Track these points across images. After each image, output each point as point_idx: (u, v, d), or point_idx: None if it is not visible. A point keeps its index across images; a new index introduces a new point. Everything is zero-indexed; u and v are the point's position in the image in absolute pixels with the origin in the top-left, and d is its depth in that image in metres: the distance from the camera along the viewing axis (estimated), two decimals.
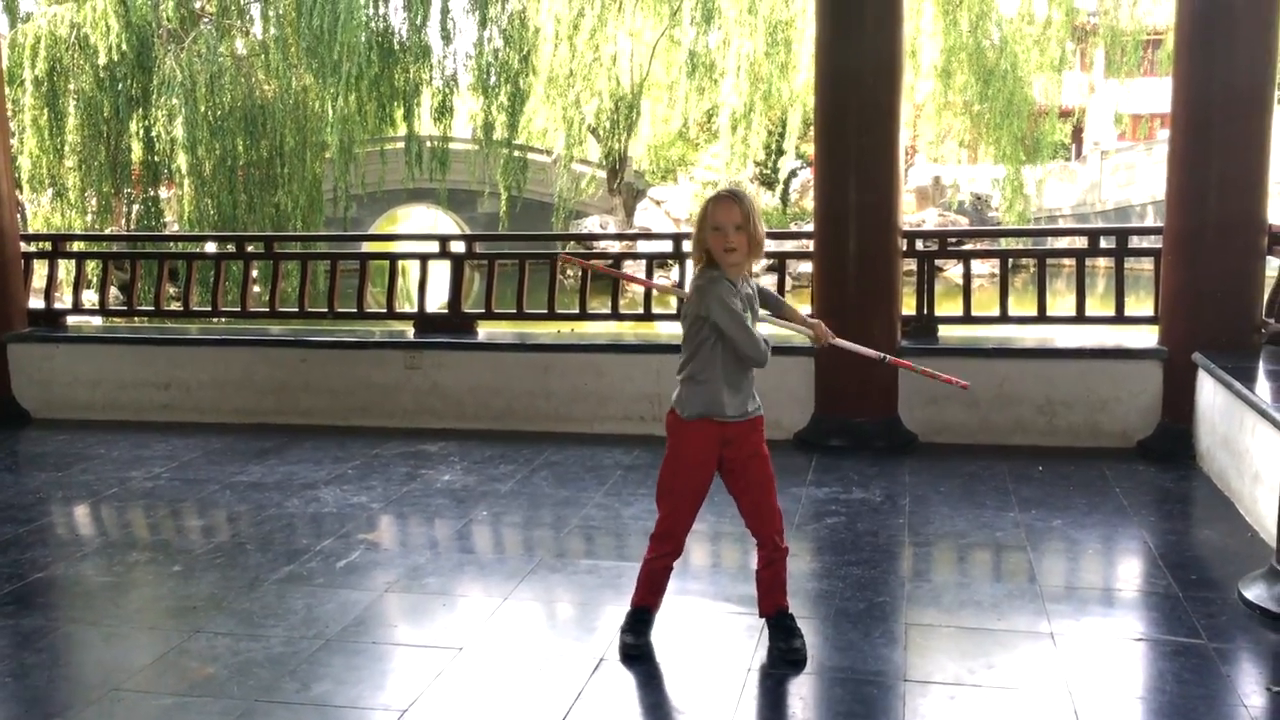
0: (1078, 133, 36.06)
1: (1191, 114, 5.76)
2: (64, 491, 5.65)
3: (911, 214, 29.99)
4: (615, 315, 7.27)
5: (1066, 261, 6.89)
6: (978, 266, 13.99)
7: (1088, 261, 6.70)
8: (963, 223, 28.49)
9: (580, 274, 7.24)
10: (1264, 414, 4.56)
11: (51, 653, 3.70)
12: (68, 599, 4.27)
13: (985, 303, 7.17)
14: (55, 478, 5.90)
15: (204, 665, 3.56)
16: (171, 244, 12.52)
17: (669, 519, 3.56)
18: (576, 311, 7.17)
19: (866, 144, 6.12)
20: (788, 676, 3.45)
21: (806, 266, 6.83)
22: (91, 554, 4.72)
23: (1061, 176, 32.54)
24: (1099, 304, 7.14)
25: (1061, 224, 29.21)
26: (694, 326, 3.43)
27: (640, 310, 7.29)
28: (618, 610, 3.75)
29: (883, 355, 3.89)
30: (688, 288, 3.51)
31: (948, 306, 6.98)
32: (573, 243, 17.78)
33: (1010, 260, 6.83)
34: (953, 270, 19.08)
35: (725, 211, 3.36)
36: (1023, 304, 7.06)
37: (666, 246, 7.84)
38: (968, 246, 10.81)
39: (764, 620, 3.64)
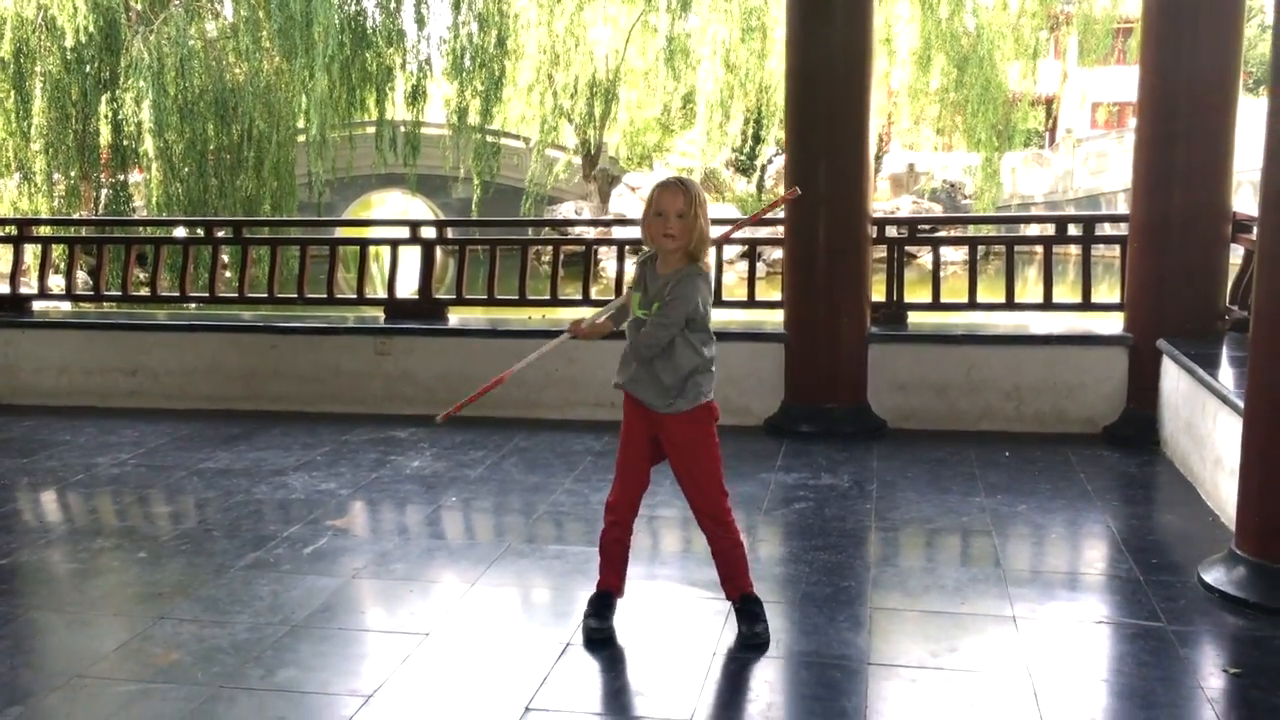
0: (1052, 120, 36.27)
1: (1157, 103, 5.81)
2: (29, 478, 5.61)
3: (885, 201, 30.08)
4: (587, 301, 7.25)
5: (1038, 248, 6.94)
6: (951, 253, 14.10)
7: (1058, 249, 6.76)
8: (936, 210, 28.59)
9: (553, 259, 7.24)
10: (1224, 399, 4.61)
11: (14, 639, 3.67)
12: (32, 586, 4.25)
13: (958, 289, 7.20)
14: (20, 464, 5.86)
15: (168, 652, 3.55)
16: (140, 229, 12.38)
17: (614, 486, 3.67)
18: (548, 297, 7.15)
19: (836, 132, 6.14)
20: (752, 660, 3.48)
21: (780, 253, 6.84)
22: (57, 540, 4.69)
23: (1034, 164, 32.72)
24: (1070, 291, 7.19)
25: (1034, 211, 29.35)
26: None
27: (613, 296, 7.27)
28: (585, 595, 3.76)
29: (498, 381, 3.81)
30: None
31: (920, 293, 7.02)
32: (547, 229, 17.76)
33: (984, 247, 6.88)
34: (926, 257, 19.15)
35: (670, 199, 3.37)
36: (994, 291, 7.10)
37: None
38: (941, 234, 10.88)
39: (730, 604, 3.67)
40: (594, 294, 7.31)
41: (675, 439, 3.53)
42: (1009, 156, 27.62)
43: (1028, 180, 32.18)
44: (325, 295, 7.40)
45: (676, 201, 3.36)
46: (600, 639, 3.58)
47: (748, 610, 3.60)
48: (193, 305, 8.02)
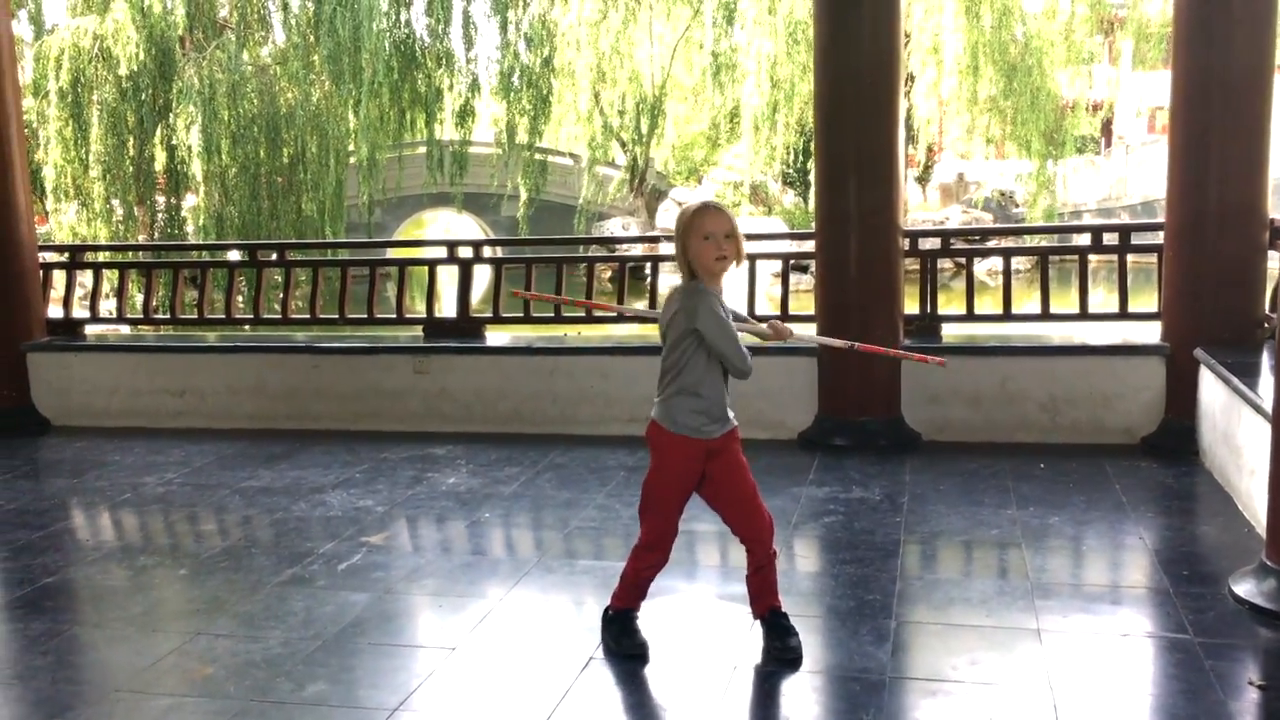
0: (1107, 126, 35.80)
1: (1189, 107, 5.75)
2: (78, 497, 5.78)
3: (935, 211, 29.88)
4: (622, 318, 7.31)
5: (1089, 258, 6.84)
6: (1002, 264, 13.98)
7: (1104, 258, 6.69)
8: (986, 219, 28.34)
9: (587, 277, 7.31)
10: (1258, 409, 4.55)
11: (57, 655, 3.79)
12: (76, 603, 4.38)
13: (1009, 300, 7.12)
14: (71, 484, 6.03)
15: (203, 666, 3.64)
16: (194, 253, 12.64)
17: (655, 531, 3.60)
18: (583, 315, 7.21)
19: (865, 145, 6.15)
20: (774, 674, 3.50)
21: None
22: (101, 559, 4.83)
23: (1087, 171, 32.32)
24: (1115, 299, 7.08)
25: (1086, 219, 28.97)
26: (683, 339, 3.42)
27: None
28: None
29: (851, 344, 3.96)
30: (667, 302, 3.50)
31: (958, 305, 6.99)
32: (595, 246, 17.84)
33: (1035, 258, 6.81)
34: (980, 267, 18.99)
35: (715, 221, 3.37)
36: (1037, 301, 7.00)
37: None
38: (992, 244, 10.79)
39: (757, 619, 3.69)
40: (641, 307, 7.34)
41: (731, 460, 3.53)
42: (1062, 164, 27.31)
43: (1081, 187, 31.78)
44: (366, 315, 7.51)
45: (723, 223, 3.37)
46: (642, 653, 3.62)
47: (779, 625, 3.62)
48: (250, 327, 8.19)
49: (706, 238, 3.36)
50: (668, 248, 8.18)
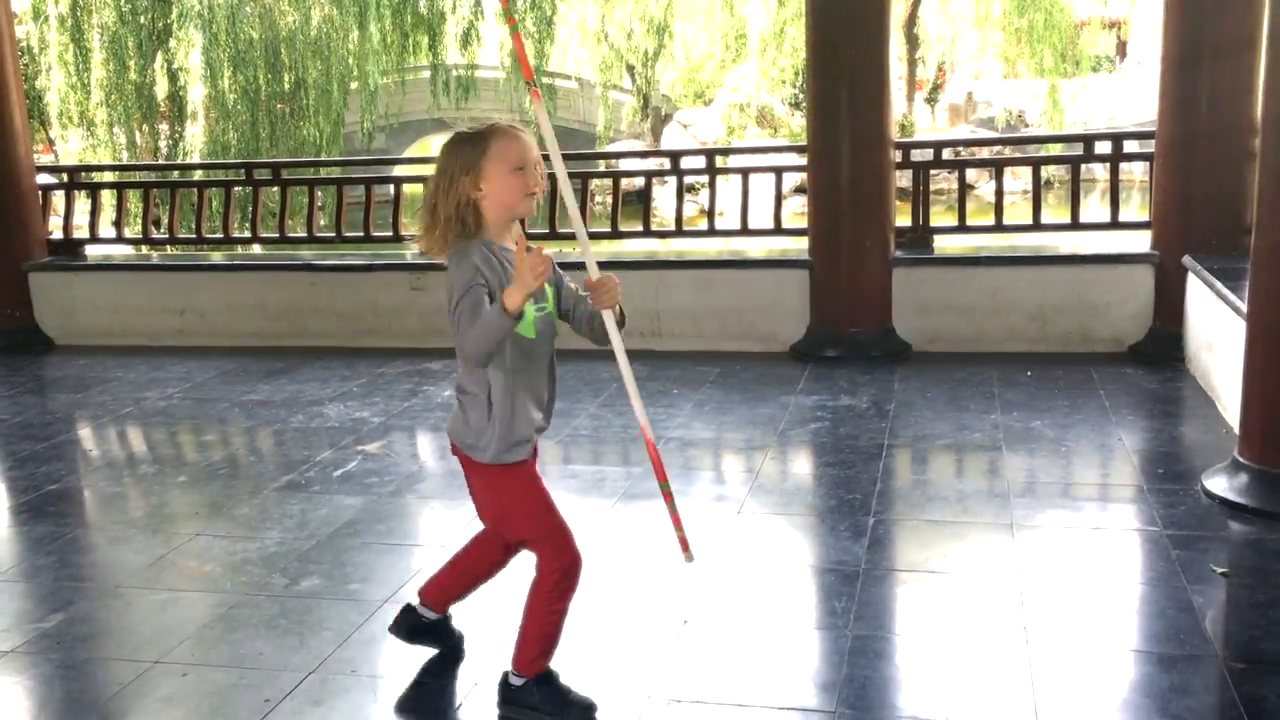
0: (1123, 45, 35.29)
1: (1183, 15, 5.71)
2: (82, 411, 5.89)
3: (943, 132, 29.57)
4: (615, 232, 7.34)
5: (1101, 176, 6.80)
6: (1011, 183, 13.93)
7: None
8: None
9: (581, 193, 7.31)
10: (1239, 312, 4.58)
11: (59, 555, 3.91)
12: (78, 508, 4.50)
13: (1014, 214, 7.10)
14: (74, 399, 6.14)
15: (201, 564, 3.77)
16: (190, 173, 12.62)
17: (571, 542, 2.85)
18: (571, 231, 7.20)
19: (858, 57, 6.11)
20: (750, 567, 3.60)
21: None
22: (103, 467, 4.95)
23: (1099, 89, 31.89)
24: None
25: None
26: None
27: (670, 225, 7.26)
28: (594, 512, 3.91)
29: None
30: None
31: (949, 217, 6.98)
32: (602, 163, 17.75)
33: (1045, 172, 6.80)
34: (985, 187, 18.90)
35: (528, 147, 2.59)
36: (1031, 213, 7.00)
37: (700, 162, 7.40)
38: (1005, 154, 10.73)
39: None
40: (622, 226, 7.38)
41: None
42: (1075, 82, 26.97)
43: (1091, 105, 31.38)
44: (363, 234, 7.53)
45: (533, 149, 2.61)
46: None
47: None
48: (261, 245, 8.21)
49: (520, 168, 2.56)
50: (639, 163, 8.14)
